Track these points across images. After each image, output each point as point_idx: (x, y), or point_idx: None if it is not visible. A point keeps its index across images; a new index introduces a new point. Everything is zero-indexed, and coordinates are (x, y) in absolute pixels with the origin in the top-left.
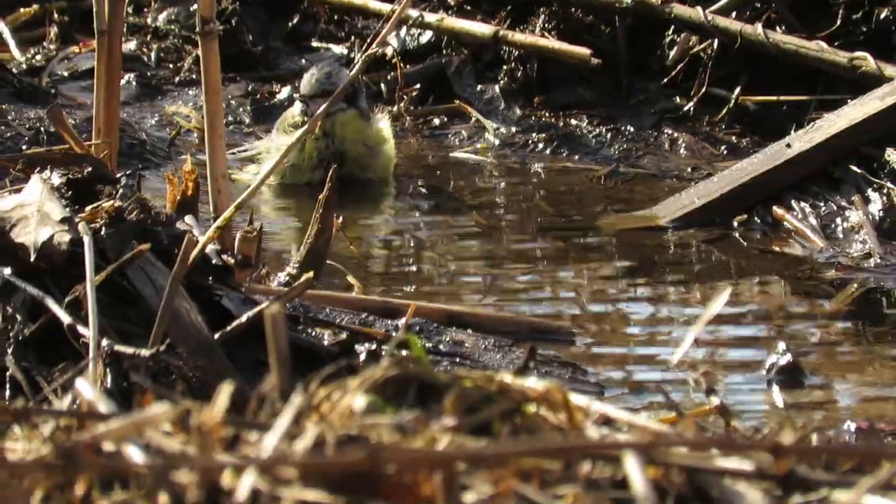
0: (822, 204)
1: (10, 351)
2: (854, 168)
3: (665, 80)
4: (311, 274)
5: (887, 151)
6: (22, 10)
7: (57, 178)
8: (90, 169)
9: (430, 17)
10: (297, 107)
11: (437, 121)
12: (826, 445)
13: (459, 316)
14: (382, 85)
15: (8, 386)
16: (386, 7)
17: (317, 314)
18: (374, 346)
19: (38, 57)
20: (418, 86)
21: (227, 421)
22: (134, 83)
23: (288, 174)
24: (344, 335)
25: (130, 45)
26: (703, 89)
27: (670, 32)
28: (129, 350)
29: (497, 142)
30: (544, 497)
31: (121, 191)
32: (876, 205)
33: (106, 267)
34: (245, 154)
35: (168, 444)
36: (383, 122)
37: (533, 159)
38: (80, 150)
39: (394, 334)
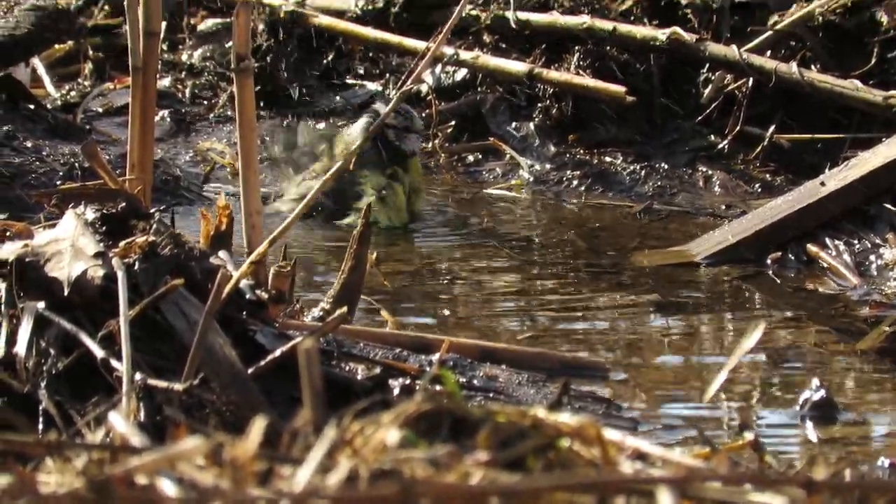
0: (856, 241)
1: (43, 384)
2: (888, 206)
3: (699, 117)
4: (344, 309)
5: None
6: (57, 46)
7: (91, 214)
8: (124, 204)
9: (466, 55)
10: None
11: (471, 158)
12: (859, 481)
13: (493, 351)
14: None
15: (41, 419)
16: (421, 45)
17: (350, 349)
18: (407, 381)
19: (73, 93)
20: (453, 123)
21: (260, 455)
22: (168, 119)
23: (390, 218)
24: (377, 370)
25: (165, 82)
26: (738, 127)
27: (705, 71)
28: (162, 384)
29: (531, 178)
30: None
31: (154, 226)
32: None
33: (139, 302)
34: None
35: (201, 478)
36: None
37: (567, 196)
38: (115, 185)
39: (427, 369)
